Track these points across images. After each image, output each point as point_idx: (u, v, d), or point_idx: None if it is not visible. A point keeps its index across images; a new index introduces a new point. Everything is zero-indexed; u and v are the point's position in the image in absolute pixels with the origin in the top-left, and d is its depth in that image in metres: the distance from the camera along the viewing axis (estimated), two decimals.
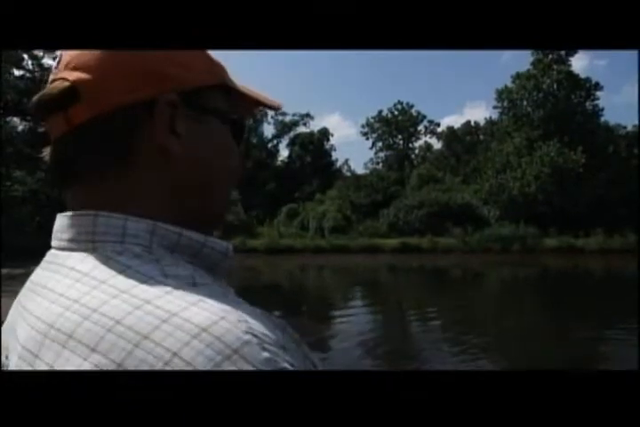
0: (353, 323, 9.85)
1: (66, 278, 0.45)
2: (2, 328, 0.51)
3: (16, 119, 23.15)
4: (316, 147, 46.06)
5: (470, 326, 9.64)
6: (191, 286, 0.41)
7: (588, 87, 35.70)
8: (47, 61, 21.18)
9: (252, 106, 0.59)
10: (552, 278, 18.93)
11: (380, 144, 49.77)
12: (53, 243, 0.50)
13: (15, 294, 0.53)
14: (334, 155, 51.68)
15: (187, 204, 0.50)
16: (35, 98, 0.49)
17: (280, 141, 47.40)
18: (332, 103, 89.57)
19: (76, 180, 0.49)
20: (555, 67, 35.34)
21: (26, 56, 20.88)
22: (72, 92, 0.46)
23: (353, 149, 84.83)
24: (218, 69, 0.53)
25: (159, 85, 0.48)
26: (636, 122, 34.35)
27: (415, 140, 49.74)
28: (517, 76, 36.23)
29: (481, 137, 44.42)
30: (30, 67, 21.55)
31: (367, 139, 50.23)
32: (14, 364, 0.44)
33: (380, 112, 49.50)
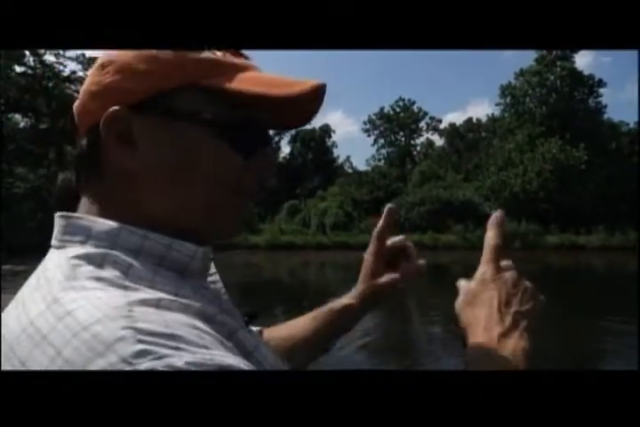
0: None
1: (33, 277, 0.48)
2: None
3: (18, 116, 23.17)
4: (317, 144, 46.00)
5: None
6: (109, 285, 0.42)
7: (591, 84, 35.60)
8: (48, 58, 21.18)
9: (252, 100, 0.49)
10: (554, 275, 18.90)
11: (381, 141, 49.68)
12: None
13: (17, 290, 0.53)
14: (336, 152, 51.77)
15: (156, 213, 0.50)
16: None
17: (281, 138, 47.34)
18: (334, 100, 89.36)
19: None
20: (558, 63, 35.21)
21: (27, 53, 20.86)
22: (72, 117, 0.54)
23: (355, 146, 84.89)
24: (188, 69, 0.49)
25: (107, 102, 0.49)
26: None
27: (417, 137, 49.66)
28: (521, 73, 36.12)
29: (483, 134, 44.31)
30: (32, 63, 21.54)
31: (369, 136, 50.21)
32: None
33: (382, 109, 49.45)
